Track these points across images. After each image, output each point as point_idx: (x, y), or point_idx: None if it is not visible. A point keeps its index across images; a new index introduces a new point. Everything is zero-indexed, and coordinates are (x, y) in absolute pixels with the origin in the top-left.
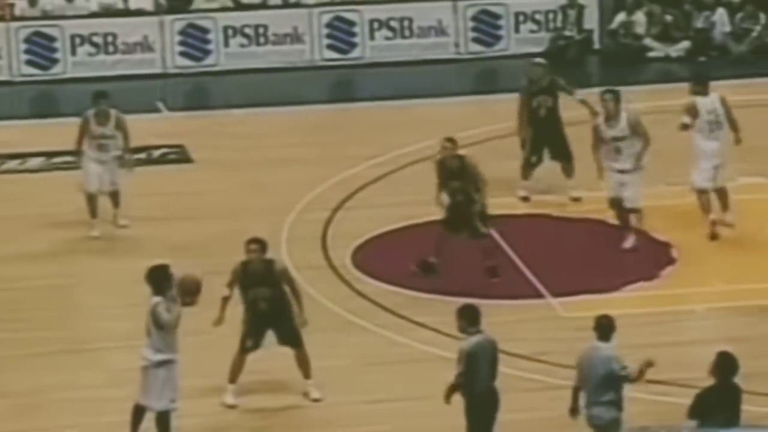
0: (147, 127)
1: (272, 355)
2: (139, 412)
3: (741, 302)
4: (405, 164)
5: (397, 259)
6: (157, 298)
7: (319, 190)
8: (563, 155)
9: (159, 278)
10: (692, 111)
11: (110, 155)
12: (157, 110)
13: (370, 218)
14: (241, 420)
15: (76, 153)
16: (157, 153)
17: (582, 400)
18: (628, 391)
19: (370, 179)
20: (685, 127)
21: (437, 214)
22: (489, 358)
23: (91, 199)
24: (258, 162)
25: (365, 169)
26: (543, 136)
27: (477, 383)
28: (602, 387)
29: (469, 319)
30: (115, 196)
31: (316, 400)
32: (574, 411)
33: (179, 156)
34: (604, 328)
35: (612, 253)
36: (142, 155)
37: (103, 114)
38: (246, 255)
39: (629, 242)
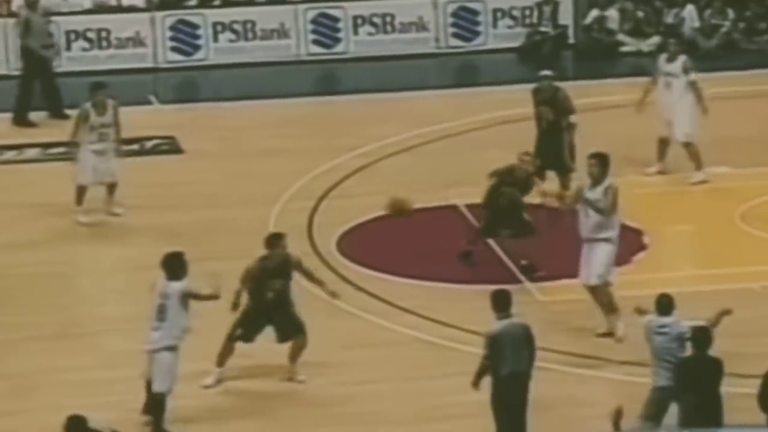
0: (139, 120)
1: (263, 338)
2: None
3: (711, 287)
4: (387, 155)
5: (380, 245)
6: (180, 284)
7: (305, 180)
8: (559, 168)
9: (174, 265)
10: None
11: (108, 144)
12: (148, 103)
13: (354, 207)
14: (232, 402)
15: (73, 144)
16: (149, 144)
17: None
18: (604, 371)
19: (354, 169)
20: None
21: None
22: (517, 343)
23: (82, 190)
24: (245, 153)
25: (349, 159)
26: (544, 145)
27: (502, 367)
28: (665, 359)
29: (497, 304)
30: (111, 186)
31: (301, 382)
32: None
33: (170, 147)
34: (664, 305)
35: None
36: (135, 146)
37: (101, 104)
38: (268, 250)
39: (619, 331)
